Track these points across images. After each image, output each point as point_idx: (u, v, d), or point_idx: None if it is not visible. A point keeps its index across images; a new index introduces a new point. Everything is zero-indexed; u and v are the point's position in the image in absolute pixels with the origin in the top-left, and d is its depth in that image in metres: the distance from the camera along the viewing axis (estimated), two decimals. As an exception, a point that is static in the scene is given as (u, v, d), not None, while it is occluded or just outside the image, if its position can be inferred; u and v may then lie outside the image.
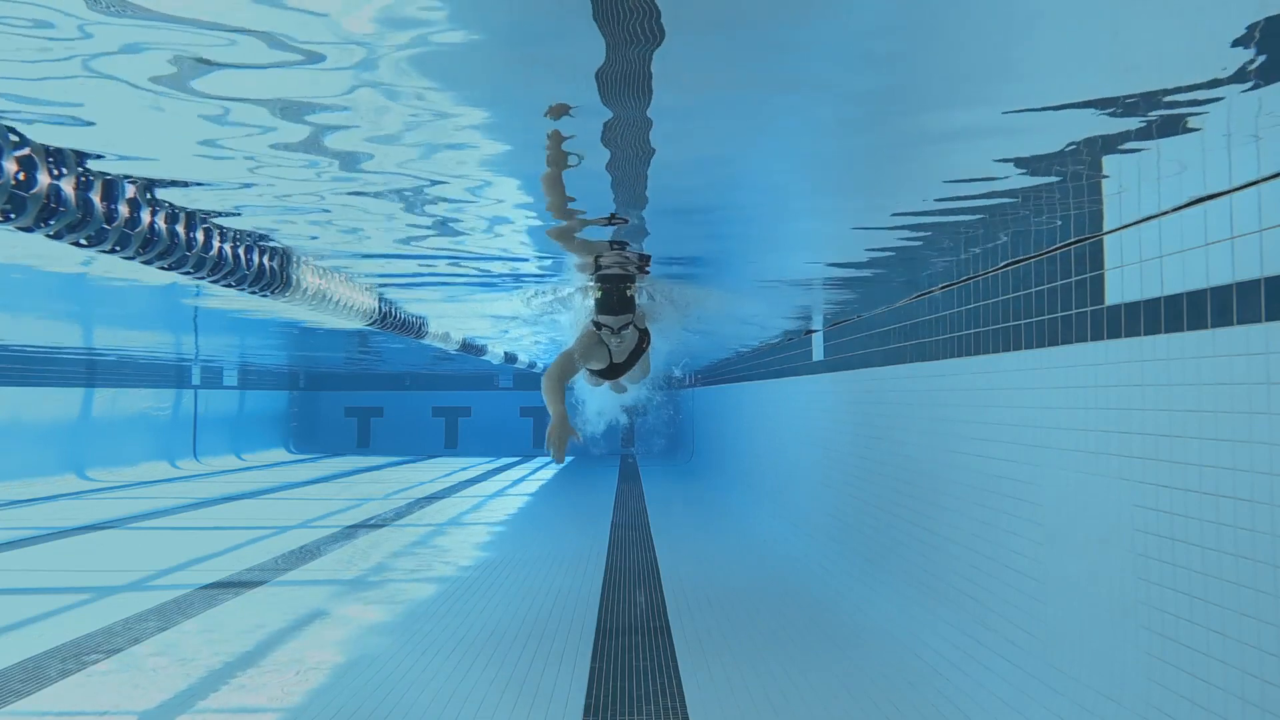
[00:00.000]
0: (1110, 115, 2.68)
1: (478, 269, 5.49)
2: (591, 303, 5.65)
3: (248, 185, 3.47)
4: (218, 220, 4.03)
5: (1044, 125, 2.77)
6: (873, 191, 3.85)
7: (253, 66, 2.23)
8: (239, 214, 3.95)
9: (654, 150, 2.97)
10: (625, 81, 2.31)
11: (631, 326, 5.51)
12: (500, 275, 5.76)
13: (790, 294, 6.75)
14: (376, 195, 3.60)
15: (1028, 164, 3.20)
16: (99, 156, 3.04)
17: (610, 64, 2.18)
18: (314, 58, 2.16)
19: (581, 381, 7.71)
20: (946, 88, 2.53)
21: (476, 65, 2.27)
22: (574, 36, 2.02)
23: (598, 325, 5.39)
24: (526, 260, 5.16)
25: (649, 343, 5.99)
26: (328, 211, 3.92)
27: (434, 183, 3.40)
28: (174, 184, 3.44)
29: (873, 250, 4.94)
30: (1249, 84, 2.34)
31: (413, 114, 2.59)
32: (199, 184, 3.46)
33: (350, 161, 3.08)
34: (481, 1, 1.95)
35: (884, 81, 2.44)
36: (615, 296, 5.26)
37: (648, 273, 5.51)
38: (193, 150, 2.97)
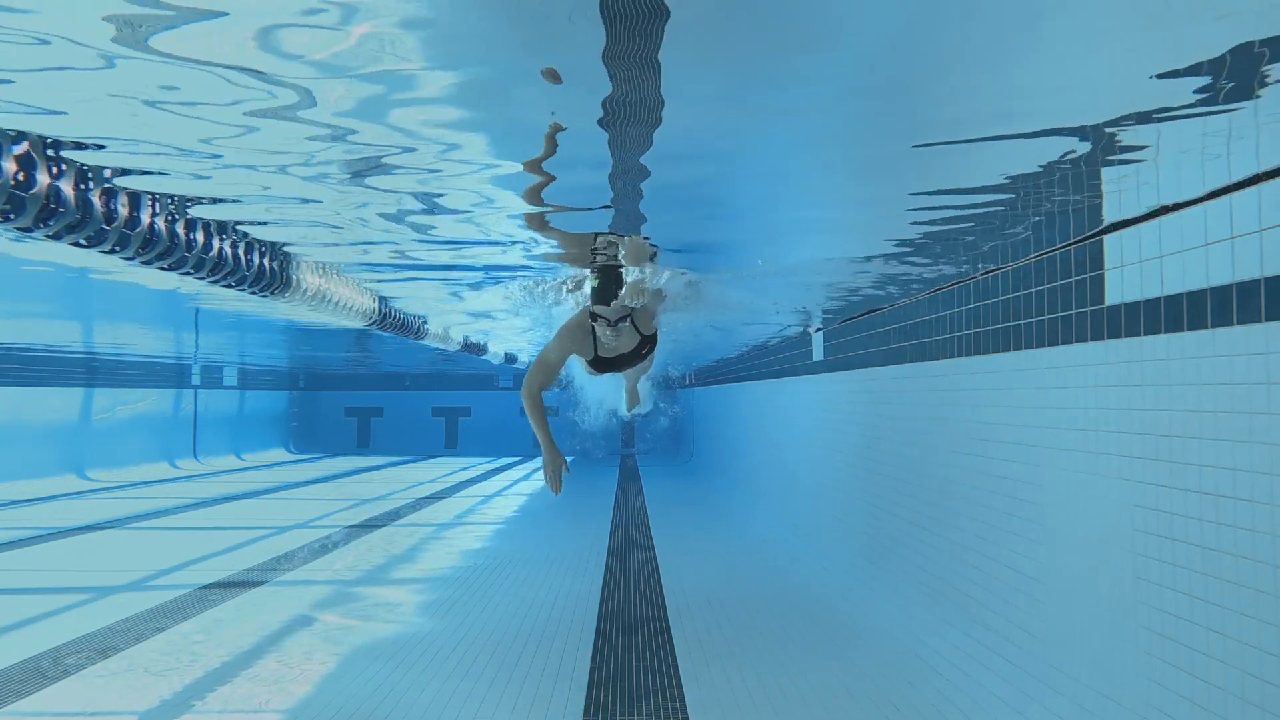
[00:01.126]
0: (1110, 128, 2.69)
1: (461, 257, 5.25)
2: (588, 291, 5.34)
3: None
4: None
5: (1042, 141, 2.80)
6: (869, 200, 3.87)
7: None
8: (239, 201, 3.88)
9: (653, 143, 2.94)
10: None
11: (631, 324, 5.22)
12: (485, 266, 5.53)
13: (796, 289, 6.63)
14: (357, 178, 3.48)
15: (1025, 174, 3.21)
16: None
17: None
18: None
19: (581, 375, 7.57)
20: (943, 111, 2.57)
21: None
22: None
23: (594, 316, 5.09)
24: (509, 246, 4.85)
25: (652, 349, 5.69)
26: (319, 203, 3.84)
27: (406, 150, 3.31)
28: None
29: (875, 251, 4.92)
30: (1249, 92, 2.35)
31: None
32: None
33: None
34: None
35: (881, 106, 2.47)
36: (614, 286, 5.01)
37: (654, 258, 5.24)
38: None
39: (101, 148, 2.88)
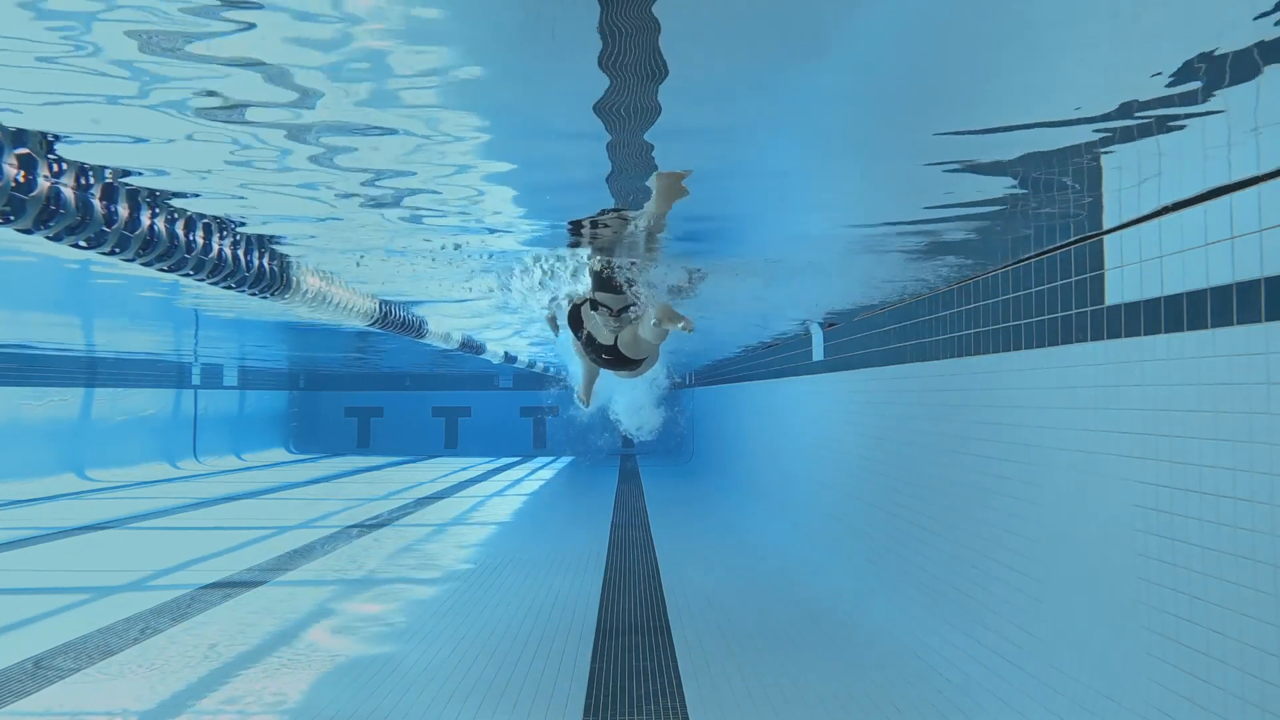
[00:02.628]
0: (1112, 125, 2.69)
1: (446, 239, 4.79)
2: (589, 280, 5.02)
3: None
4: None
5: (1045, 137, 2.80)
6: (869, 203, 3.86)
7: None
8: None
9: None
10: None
11: (633, 318, 4.91)
12: (476, 251, 5.09)
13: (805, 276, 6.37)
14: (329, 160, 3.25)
15: (1028, 174, 3.21)
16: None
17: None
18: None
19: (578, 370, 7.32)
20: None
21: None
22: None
23: (594, 304, 4.81)
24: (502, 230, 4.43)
25: (624, 367, 5.42)
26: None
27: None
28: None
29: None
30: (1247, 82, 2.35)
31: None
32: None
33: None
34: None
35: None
36: (618, 274, 4.72)
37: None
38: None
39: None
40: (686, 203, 3.98)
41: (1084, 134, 2.85)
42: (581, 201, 3.88)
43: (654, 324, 4.82)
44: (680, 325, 4.55)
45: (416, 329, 8.29)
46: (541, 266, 5.70)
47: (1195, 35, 2.10)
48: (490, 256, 5.28)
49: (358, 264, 5.15)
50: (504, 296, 6.74)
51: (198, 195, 3.64)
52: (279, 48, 2.12)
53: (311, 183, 3.51)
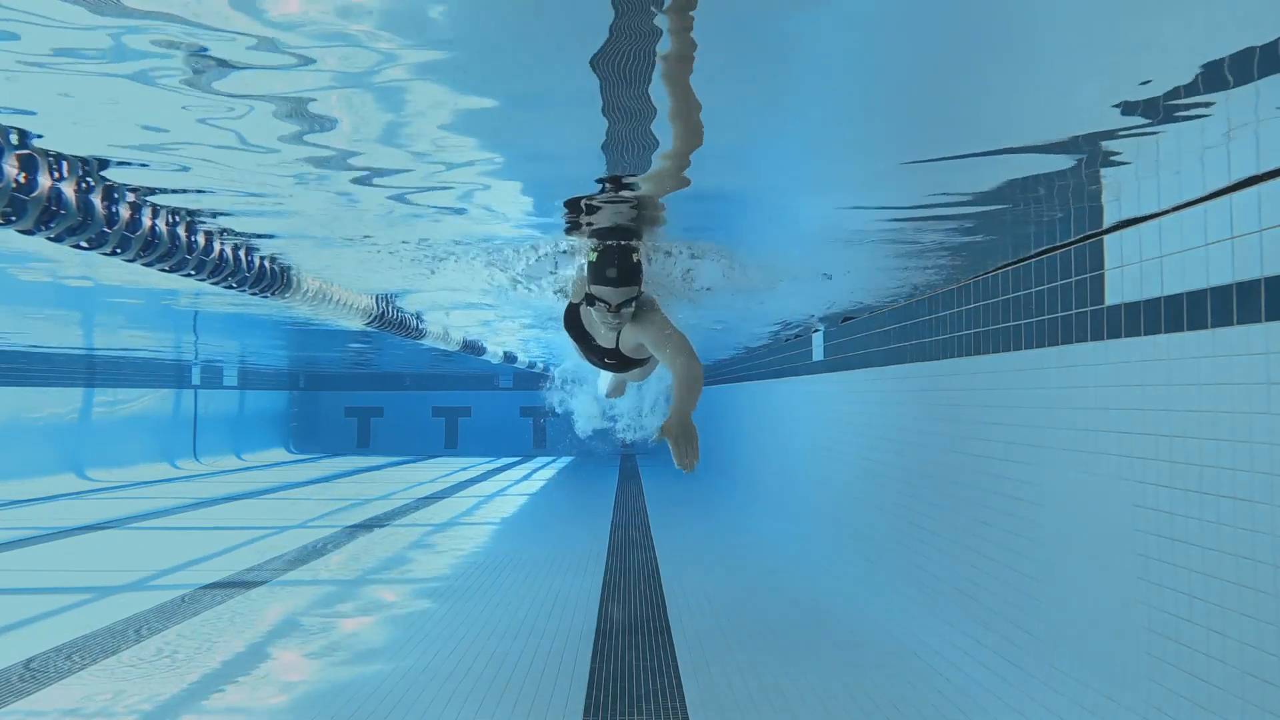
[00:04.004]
0: (1108, 131, 2.69)
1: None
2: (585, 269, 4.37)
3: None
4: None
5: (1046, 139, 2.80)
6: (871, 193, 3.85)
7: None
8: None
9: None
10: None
11: (637, 311, 4.40)
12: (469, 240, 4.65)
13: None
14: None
15: (1028, 176, 3.21)
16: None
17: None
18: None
19: (578, 361, 6.91)
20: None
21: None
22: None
23: (591, 300, 4.25)
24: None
25: (626, 368, 5.01)
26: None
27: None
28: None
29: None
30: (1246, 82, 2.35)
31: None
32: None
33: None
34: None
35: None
36: (617, 262, 4.12)
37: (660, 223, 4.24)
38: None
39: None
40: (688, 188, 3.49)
41: (1084, 141, 2.85)
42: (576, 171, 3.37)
43: (654, 438, 4.03)
44: (679, 461, 3.80)
45: (415, 328, 8.30)
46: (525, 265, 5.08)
47: (1193, 38, 2.10)
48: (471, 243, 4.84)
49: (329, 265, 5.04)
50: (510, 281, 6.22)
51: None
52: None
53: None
